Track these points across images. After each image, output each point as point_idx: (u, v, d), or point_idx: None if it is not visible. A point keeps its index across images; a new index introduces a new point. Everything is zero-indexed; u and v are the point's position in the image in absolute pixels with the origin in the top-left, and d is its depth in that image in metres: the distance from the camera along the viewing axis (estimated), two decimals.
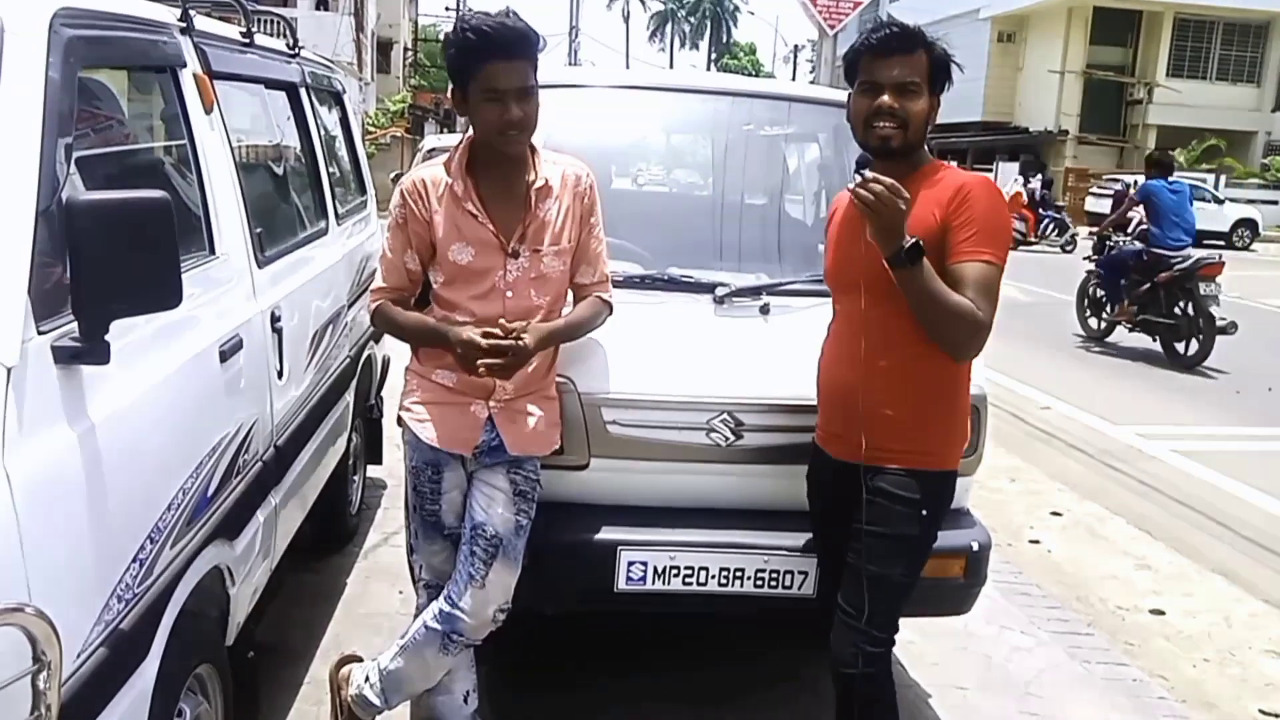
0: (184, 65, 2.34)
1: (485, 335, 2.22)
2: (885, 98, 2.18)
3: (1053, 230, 21.94)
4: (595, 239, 2.48)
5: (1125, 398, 7.98)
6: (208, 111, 2.42)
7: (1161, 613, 4.11)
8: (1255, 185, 29.36)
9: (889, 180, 2.03)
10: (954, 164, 2.32)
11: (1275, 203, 28.84)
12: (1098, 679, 3.51)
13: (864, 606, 2.27)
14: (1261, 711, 3.41)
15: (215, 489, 2.24)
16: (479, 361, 2.22)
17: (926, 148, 2.29)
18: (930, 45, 2.22)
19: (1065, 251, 20.84)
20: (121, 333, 1.72)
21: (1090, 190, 25.16)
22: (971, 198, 2.15)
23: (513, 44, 2.19)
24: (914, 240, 2.04)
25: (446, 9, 44.53)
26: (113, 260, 1.60)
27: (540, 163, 2.38)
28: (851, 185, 2.07)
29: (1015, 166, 27.48)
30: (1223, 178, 28.68)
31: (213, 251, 2.36)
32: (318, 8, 30.14)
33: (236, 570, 2.39)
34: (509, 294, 2.35)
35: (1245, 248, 24.45)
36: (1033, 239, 21.60)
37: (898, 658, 3.50)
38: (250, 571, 2.54)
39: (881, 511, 2.25)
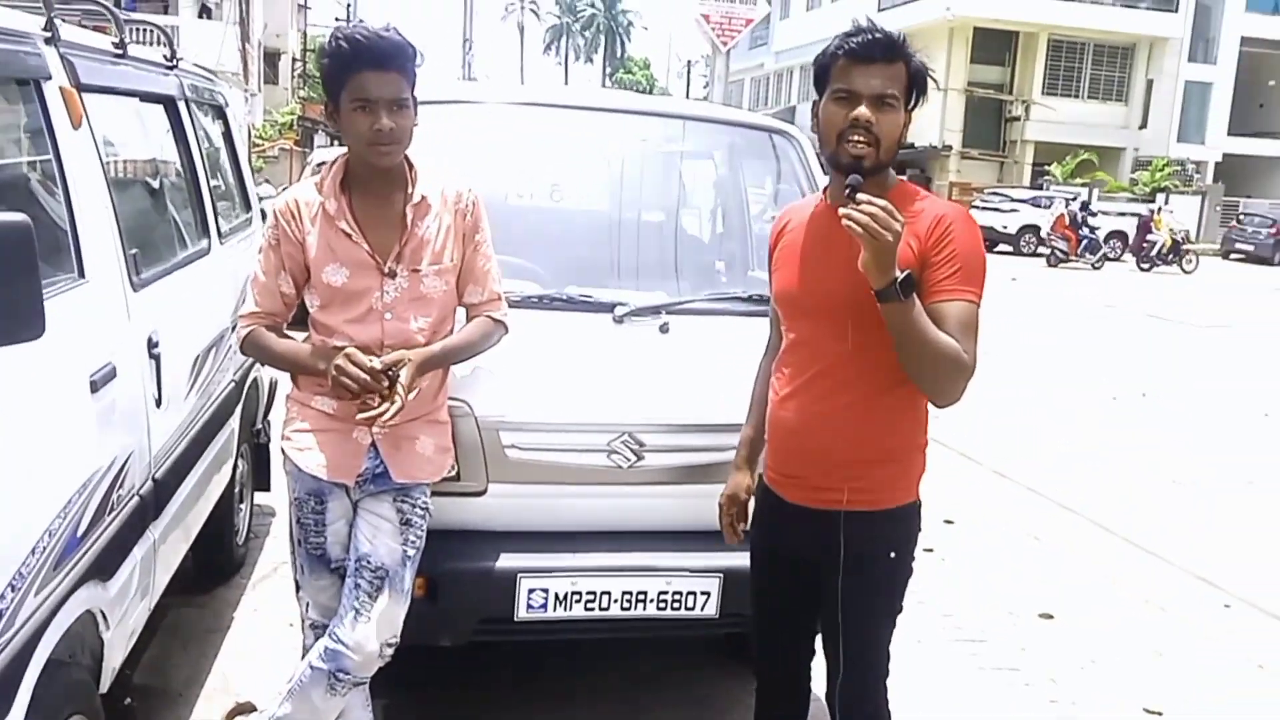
0: (48, 78, 2.20)
1: (359, 381, 2.14)
2: (863, 110, 1.95)
3: (1085, 250, 23.61)
4: (483, 256, 2.40)
5: None
6: (76, 127, 2.28)
7: (1051, 616, 4.23)
8: (1125, 199, 30.83)
9: (883, 202, 1.82)
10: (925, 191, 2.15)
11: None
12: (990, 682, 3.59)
13: (842, 658, 2.15)
14: (1146, 710, 3.53)
15: (86, 528, 2.10)
16: (359, 417, 2.16)
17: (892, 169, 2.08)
18: (910, 56, 1.99)
19: (1095, 269, 22.99)
20: None
21: (972, 204, 26.07)
22: (953, 231, 1.98)
23: (386, 55, 2.12)
24: (906, 272, 1.86)
25: (336, 19, 43.75)
26: None
27: (418, 179, 2.30)
28: (843, 207, 1.84)
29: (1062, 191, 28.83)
30: (1095, 191, 30.06)
31: (82, 275, 2.22)
32: (201, 16, 29.23)
33: (111, 613, 2.25)
34: (387, 316, 2.26)
35: (1117, 259, 25.62)
36: (1073, 258, 23.30)
37: None
38: (127, 613, 2.40)
39: (855, 557, 2.10)
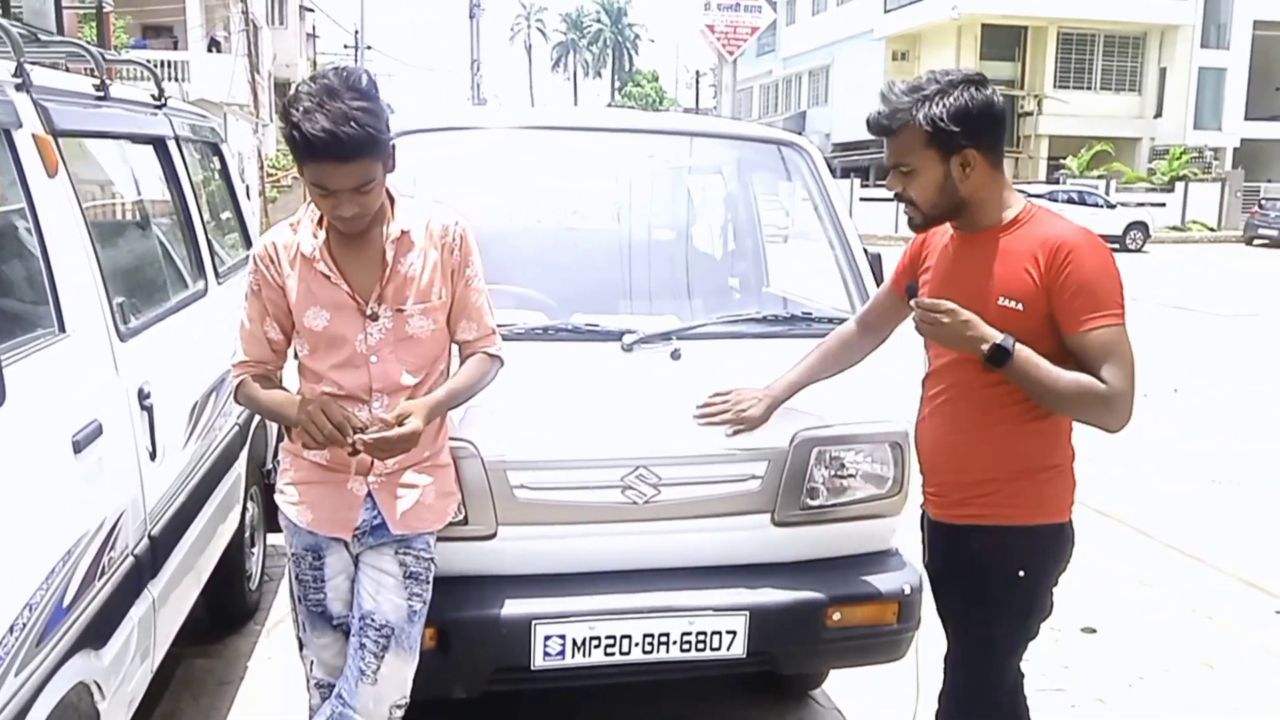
0: (19, 126, 2.11)
1: (368, 446, 2.06)
2: (890, 179, 2.13)
3: None
4: (474, 291, 2.26)
5: None
6: (51, 175, 2.19)
7: (1094, 630, 4.07)
8: (1143, 189, 30.52)
9: (924, 300, 2.06)
10: (1041, 204, 2.19)
11: (1163, 205, 30.00)
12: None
13: (960, 677, 2.26)
14: None
15: (74, 596, 2.00)
16: (356, 439, 2.04)
17: (1015, 195, 2.13)
18: (912, 119, 2.02)
19: None
20: None
21: None
22: (1073, 259, 1.98)
23: (344, 151, 1.93)
24: (996, 343, 1.98)
25: (346, 47, 44.06)
26: None
27: (399, 212, 2.17)
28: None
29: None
30: (1112, 183, 29.75)
31: (62, 329, 2.13)
32: (210, 50, 29.46)
33: (106, 683, 2.15)
34: (372, 359, 2.15)
35: (1139, 249, 25.32)
36: None
37: (827, 695, 3.39)
38: (125, 679, 2.29)
39: (979, 574, 2.18)
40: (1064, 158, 32.49)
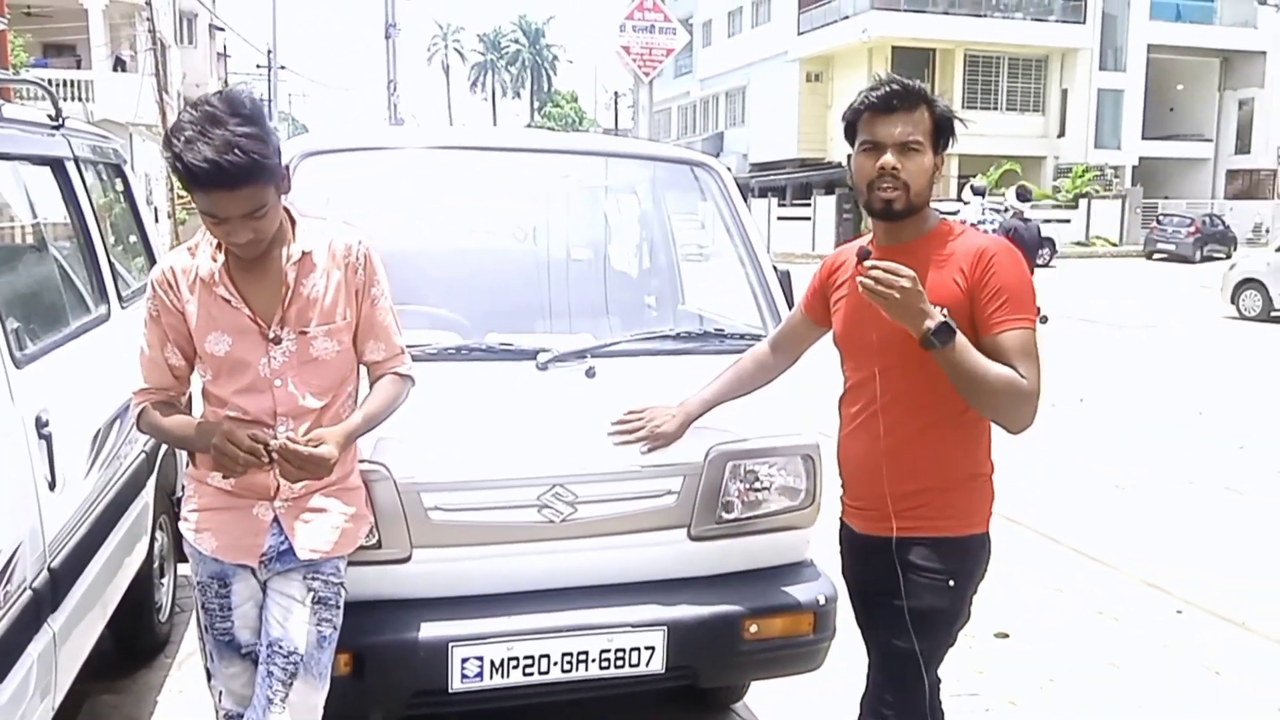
0: None
1: (281, 451, 2.01)
2: (888, 157, 2.09)
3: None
4: (381, 310, 2.24)
5: None
6: None
7: (1007, 635, 4.17)
8: (1049, 206, 31.53)
9: (887, 263, 1.97)
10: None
11: (1068, 221, 31.06)
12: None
13: (887, 685, 2.25)
14: None
15: None
16: (271, 446, 2.00)
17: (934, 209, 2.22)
18: (932, 102, 2.13)
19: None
20: None
21: None
22: (996, 264, 2.08)
23: (232, 179, 1.89)
24: (942, 320, 1.97)
25: (258, 66, 43.24)
26: None
27: (300, 233, 2.14)
28: (859, 276, 2.01)
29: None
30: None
31: None
32: (115, 69, 28.68)
33: None
34: (276, 383, 2.12)
35: (1046, 264, 26.11)
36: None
37: (748, 708, 3.42)
38: (23, 719, 2.21)
39: (911, 585, 2.18)
40: (974, 175, 33.38)
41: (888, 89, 2.11)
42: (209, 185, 1.90)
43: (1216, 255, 27.86)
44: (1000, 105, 35.96)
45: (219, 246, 2.11)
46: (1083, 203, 32.14)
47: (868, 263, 2.00)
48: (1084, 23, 35.40)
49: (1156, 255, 29.14)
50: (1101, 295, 19.09)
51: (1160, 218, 30.49)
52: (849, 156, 2.22)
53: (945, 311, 1.99)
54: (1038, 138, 36.15)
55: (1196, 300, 18.69)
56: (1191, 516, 5.85)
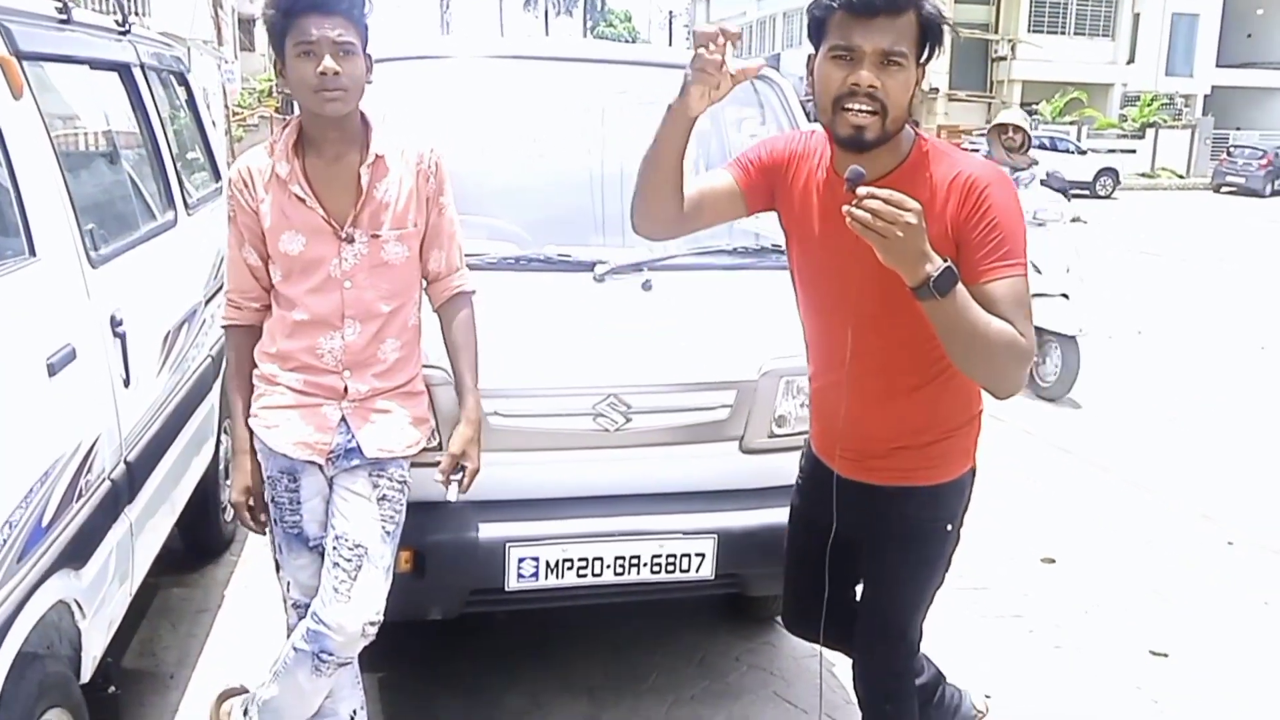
0: None
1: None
2: (864, 74, 1.71)
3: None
4: (446, 219, 2.29)
5: None
6: (17, 97, 2.16)
7: (1053, 561, 4.19)
8: (1114, 135, 30.61)
9: (887, 193, 1.59)
10: (928, 134, 1.90)
11: (1134, 151, 30.13)
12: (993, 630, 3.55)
13: (888, 632, 2.15)
14: (1151, 653, 3.49)
15: (53, 516, 2.02)
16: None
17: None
18: (920, 3, 1.74)
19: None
20: None
21: (961, 146, 25.79)
22: (989, 198, 1.76)
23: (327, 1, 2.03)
24: (945, 265, 1.63)
25: None
26: None
27: (375, 139, 2.18)
28: (845, 205, 1.63)
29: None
30: (1084, 129, 29.81)
31: (33, 253, 2.12)
32: None
33: (86, 602, 2.18)
34: (346, 284, 2.17)
35: (1108, 195, 25.47)
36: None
37: None
38: (104, 600, 2.33)
39: (909, 531, 2.07)
40: (1037, 103, 32.47)
41: None
42: (305, 3, 2.02)
43: None
44: (1068, 29, 34.74)
45: (296, 148, 2.14)
46: (1149, 133, 31.11)
47: (862, 189, 1.61)
48: None
49: (1225, 189, 28.20)
50: (1165, 227, 18.60)
51: (1230, 149, 29.42)
52: (810, 59, 1.83)
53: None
54: (1105, 64, 34.93)
55: (1265, 235, 18.13)
56: (1246, 450, 5.77)
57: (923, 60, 1.78)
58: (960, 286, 1.66)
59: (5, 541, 1.79)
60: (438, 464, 2.42)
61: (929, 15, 1.75)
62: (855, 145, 1.76)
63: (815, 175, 1.95)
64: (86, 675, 2.26)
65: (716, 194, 2.04)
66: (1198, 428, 6.18)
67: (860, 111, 1.73)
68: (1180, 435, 6.03)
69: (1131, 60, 35.09)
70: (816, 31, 1.80)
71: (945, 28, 1.79)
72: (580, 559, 2.52)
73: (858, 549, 2.13)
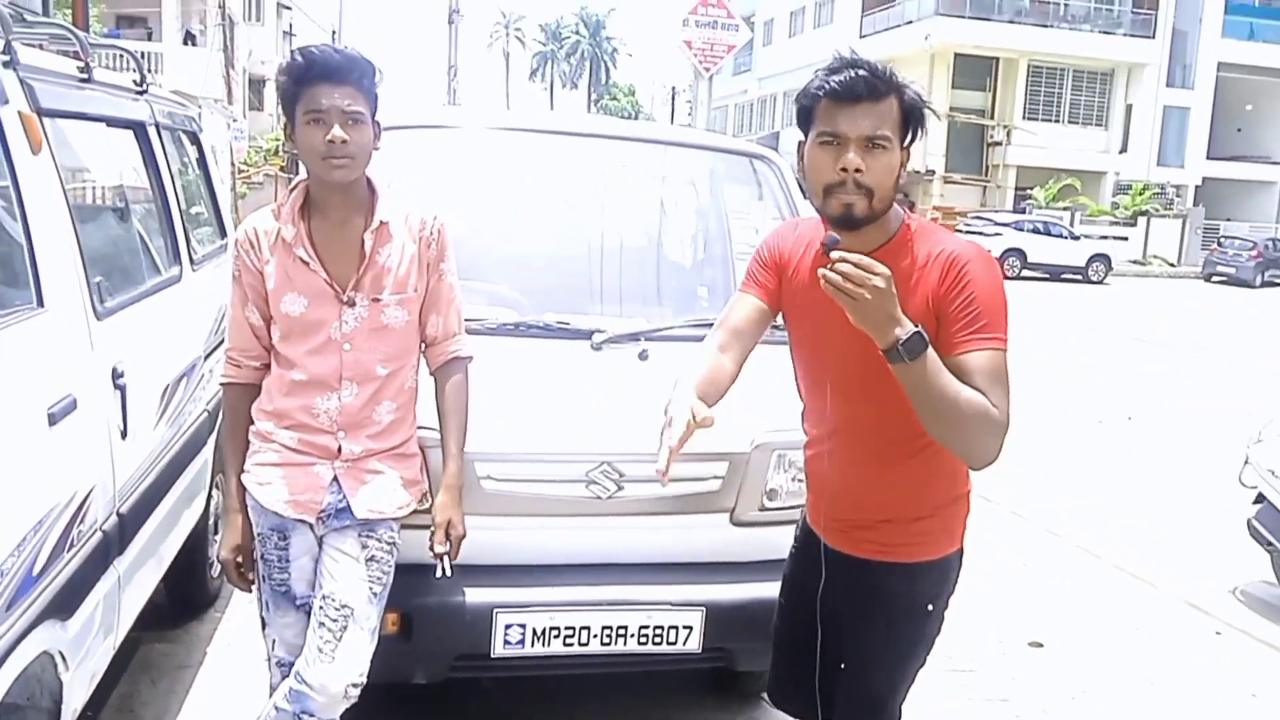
0: (5, 102, 2.14)
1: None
2: (851, 157, 1.78)
3: None
4: (446, 285, 2.34)
5: None
6: (35, 152, 2.22)
7: (1040, 645, 4.17)
8: (1107, 222, 31.05)
9: (856, 257, 1.67)
10: (916, 216, 1.98)
11: (1125, 239, 30.57)
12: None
13: (863, 708, 2.11)
14: None
15: (44, 565, 2.02)
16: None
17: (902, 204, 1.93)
18: (901, 89, 1.82)
19: None
20: None
21: (956, 228, 26.16)
22: (969, 273, 1.81)
23: (339, 68, 2.10)
24: (915, 330, 1.69)
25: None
26: None
27: (380, 205, 2.24)
28: (821, 267, 1.71)
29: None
30: (1077, 215, 30.27)
31: (41, 303, 2.15)
32: (185, 43, 29.25)
33: (71, 653, 2.17)
34: (346, 346, 2.21)
35: (1100, 281, 25.76)
36: None
37: None
38: (89, 652, 2.32)
39: (891, 608, 2.05)
40: (1031, 188, 33.01)
41: (852, 74, 1.79)
42: (319, 68, 2.09)
43: (1278, 281, 27.28)
44: (1062, 118, 35.43)
45: (302, 212, 2.19)
46: (1141, 221, 31.60)
47: (835, 253, 1.69)
48: (1153, 37, 34.75)
49: (1215, 278, 28.59)
50: (1156, 315, 18.78)
51: (1221, 240, 29.86)
52: (799, 145, 1.91)
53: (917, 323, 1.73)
54: (1099, 152, 35.57)
55: (1255, 325, 18.32)
56: (1237, 540, 5.77)
57: (907, 143, 1.86)
58: (930, 352, 1.71)
59: None
60: (428, 526, 2.44)
61: (910, 100, 1.83)
62: (846, 223, 1.83)
63: (807, 255, 2.02)
64: None
65: (750, 323, 2.09)
66: (1188, 515, 6.19)
67: (849, 194, 1.81)
68: (1170, 522, 6.04)
69: (1124, 149, 35.76)
70: (805, 119, 1.87)
71: (926, 111, 1.87)
72: (567, 627, 2.51)
73: (843, 622, 2.13)
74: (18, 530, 1.91)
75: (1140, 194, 32.30)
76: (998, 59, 34.65)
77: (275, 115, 37.41)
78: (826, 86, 1.81)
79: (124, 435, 2.53)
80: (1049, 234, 26.58)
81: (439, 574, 2.30)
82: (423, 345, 2.36)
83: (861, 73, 1.79)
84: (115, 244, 3.02)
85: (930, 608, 2.08)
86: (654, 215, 3.70)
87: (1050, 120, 35.09)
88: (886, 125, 1.80)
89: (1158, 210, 32.61)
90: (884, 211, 1.86)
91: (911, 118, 1.84)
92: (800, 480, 2.70)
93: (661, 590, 2.58)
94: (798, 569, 2.25)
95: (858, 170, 1.78)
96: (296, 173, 2.47)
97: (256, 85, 35.06)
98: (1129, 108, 35.84)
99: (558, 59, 78.80)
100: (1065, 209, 30.71)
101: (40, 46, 2.82)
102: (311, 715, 2.17)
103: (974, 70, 34.70)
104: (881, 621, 2.06)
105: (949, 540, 2.06)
